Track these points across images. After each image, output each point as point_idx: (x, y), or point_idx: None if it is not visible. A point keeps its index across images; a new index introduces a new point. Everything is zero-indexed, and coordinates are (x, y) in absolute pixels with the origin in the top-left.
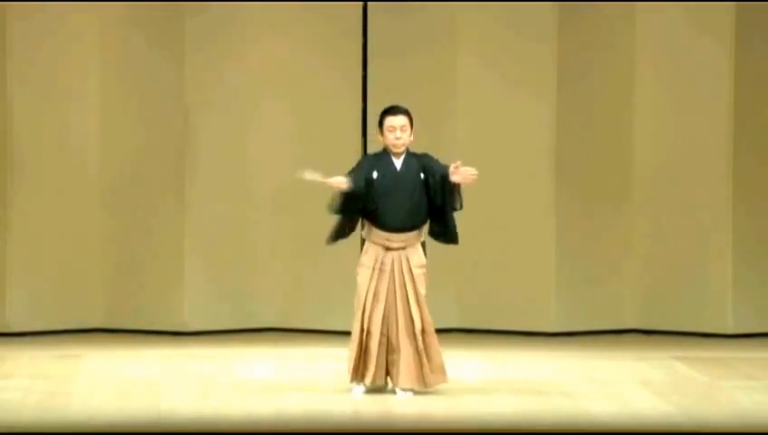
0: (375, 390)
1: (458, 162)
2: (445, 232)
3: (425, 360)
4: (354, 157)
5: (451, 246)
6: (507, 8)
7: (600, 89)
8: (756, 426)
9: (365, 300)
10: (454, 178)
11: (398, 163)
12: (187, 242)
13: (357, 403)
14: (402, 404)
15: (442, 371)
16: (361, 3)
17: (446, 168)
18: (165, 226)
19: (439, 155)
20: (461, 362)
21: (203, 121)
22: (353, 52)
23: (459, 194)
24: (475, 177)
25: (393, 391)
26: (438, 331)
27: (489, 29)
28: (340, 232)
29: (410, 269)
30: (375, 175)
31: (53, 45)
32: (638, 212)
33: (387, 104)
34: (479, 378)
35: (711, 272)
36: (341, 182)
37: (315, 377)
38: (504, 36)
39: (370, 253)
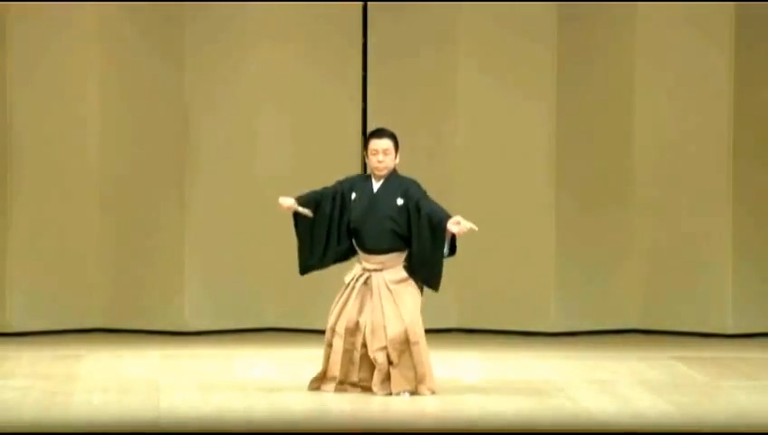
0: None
1: (459, 219)
2: (428, 275)
3: (394, 369)
4: (354, 157)
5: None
6: (507, 9)
7: (599, 89)
8: (756, 426)
9: (331, 315)
10: (451, 228)
11: (376, 185)
12: (188, 242)
13: (357, 403)
14: (401, 404)
15: (421, 381)
16: (361, 4)
17: (429, 205)
18: (165, 226)
19: (439, 156)
20: (461, 362)
21: (203, 122)
22: (353, 53)
23: (453, 242)
24: (469, 230)
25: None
26: (438, 331)
27: (489, 30)
28: (301, 253)
29: (386, 285)
30: (353, 196)
31: (54, 47)
32: (638, 212)
33: (387, 105)
34: (479, 378)
35: (711, 272)
36: (289, 205)
37: None
38: (503, 37)
39: (353, 270)
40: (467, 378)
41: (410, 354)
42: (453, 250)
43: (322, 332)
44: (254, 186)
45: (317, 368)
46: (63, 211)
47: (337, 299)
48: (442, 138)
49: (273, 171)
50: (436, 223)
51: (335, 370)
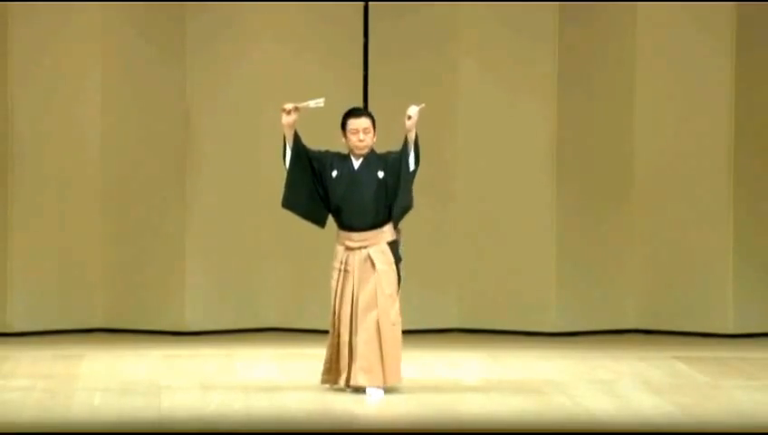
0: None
1: (408, 113)
2: (402, 198)
3: (378, 357)
4: None
5: (452, 246)
6: (508, 9)
7: (600, 89)
8: (756, 426)
9: (334, 303)
10: (406, 125)
11: (356, 163)
12: (188, 242)
13: (357, 403)
14: (401, 404)
15: (396, 371)
16: (362, 3)
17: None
18: (166, 226)
19: (440, 155)
20: (461, 362)
21: (204, 122)
22: (354, 53)
23: (415, 151)
24: (418, 111)
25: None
26: (439, 331)
27: (490, 30)
28: (288, 189)
29: (373, 267)
30: (334, 174)
31: (55, 46)
32: (639, 212)
33: (387, 105)
34: (479, 378)
35: (711, 272)
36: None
37: (315, 377)
38: (504, 37)
39: (337, 254)
40: (468, 378)
41: (386, 341)
42: (417, 162)
43: (323, 332)
44: (254, 186)
45: (318, 367)
46: (64, 211)
47: (334, 286)
48: (443, 138)
49: (273, 171)
50: (401, 148)
51: (345, 359)
